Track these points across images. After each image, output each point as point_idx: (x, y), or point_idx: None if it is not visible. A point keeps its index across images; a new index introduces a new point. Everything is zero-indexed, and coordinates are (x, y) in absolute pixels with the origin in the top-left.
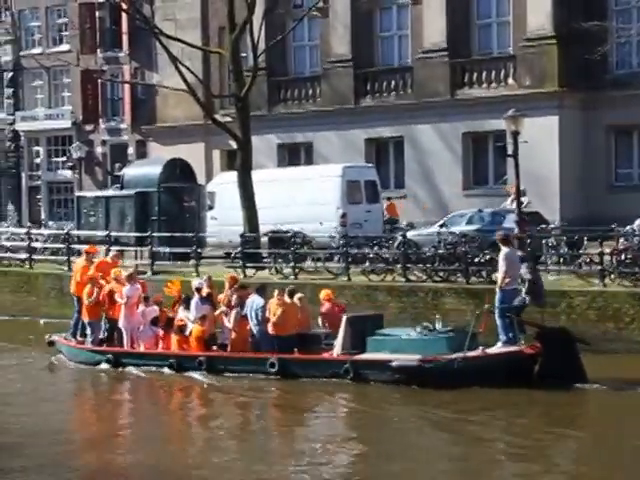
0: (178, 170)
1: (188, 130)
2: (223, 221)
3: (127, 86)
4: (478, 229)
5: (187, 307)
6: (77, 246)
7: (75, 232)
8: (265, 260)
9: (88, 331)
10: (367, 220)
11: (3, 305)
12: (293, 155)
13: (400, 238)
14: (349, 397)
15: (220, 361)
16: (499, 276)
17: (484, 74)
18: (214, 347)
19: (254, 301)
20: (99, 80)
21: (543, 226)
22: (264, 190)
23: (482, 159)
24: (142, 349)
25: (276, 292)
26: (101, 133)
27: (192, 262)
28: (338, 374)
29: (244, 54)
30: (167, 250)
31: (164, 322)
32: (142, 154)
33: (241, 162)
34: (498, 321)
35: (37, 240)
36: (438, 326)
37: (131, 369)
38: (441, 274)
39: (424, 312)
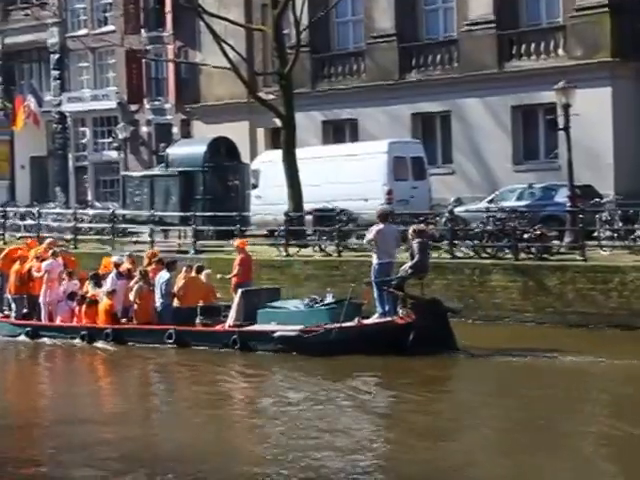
0: (222, 149)
1: (232, 108)
2: (267, 199)
3: (171, 65)
4: (528, 205)
5: (97, 284)
6: (122, 225)
7: (120, 211)
8: (309, 238)
9: (13, 306)
10: (413, 197)
11: None
12: (338, 132)
13: (447, 214)
14: (227, 363)
15: (124, 333)
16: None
17: (533, 45)
18: (124, 320)
19: (161, 275)
20: (143, 60)
21: (596, 200)
22: (308, 168)
23: (532, 133)
24: (58, 322)
25: (184, 268)
26: (146, 113)
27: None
28: (227, 344)
29: (287, 31)
30: (211, 229)
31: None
32: (186, 133)
33: (285, 140)
34: (375, 293)
35: (82, 220)
36: (328, 299)
37: (45, 340)
38: (489, 251)
39: (469, 289)
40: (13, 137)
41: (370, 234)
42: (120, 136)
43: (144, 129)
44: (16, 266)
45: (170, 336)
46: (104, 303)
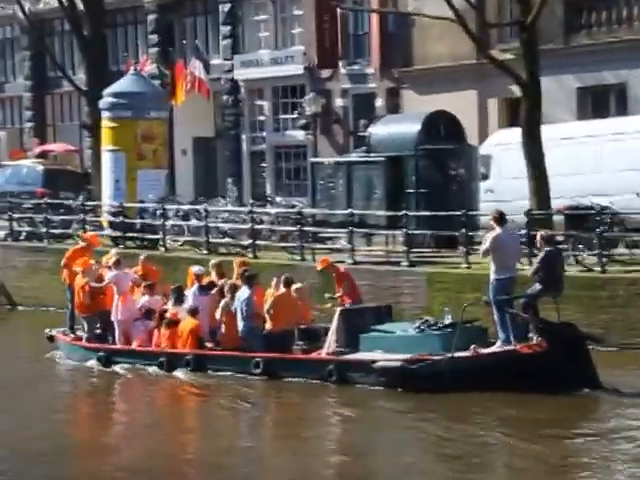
0: (442, 127)
1: (455, 73)
2: (502, 194)
3: (375, 18)
4: None
5: (178, 300)
6: (311, 229)
7: (309, 210)
8: (560, 246)
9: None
10: None
11: None
12: (599, 102)
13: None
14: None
15: (205, 360)
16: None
17: None
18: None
19: (241, 293)
20: (339, 10)
21: None
22: (558, 152)
23: None
24: (134, 346)
25: (273, 281)
26: (341, 80)
27: (461, 249)
28: (323, 376)
29: None
30: (427, 233)
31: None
32: (394, 107)
33: (527, 114)
34: (495, 316)
35: (262, 222)
36: (447, 321)
37: (117, 369)
38: None
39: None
40: (172, 114)
41: (486, 243)
42: (308, 111)
43: (339, 102)
44: (80, 280)
45: (257, 365)
46: (186, 323)
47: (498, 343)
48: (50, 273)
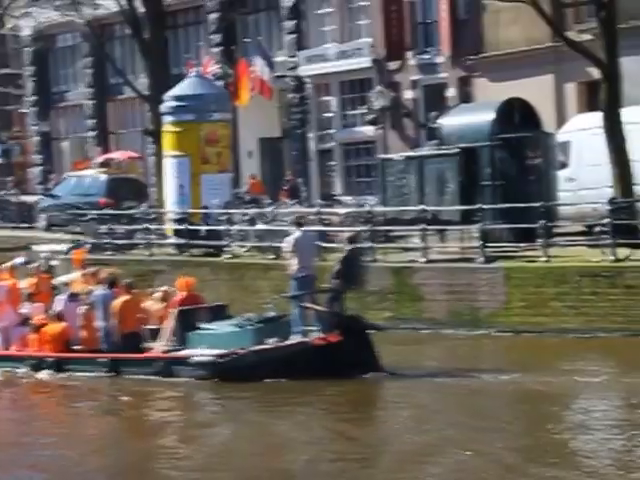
0: (517, 115)
1: (529, 58)
2: (583, 183)
3: (444, 4)
4: None
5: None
6: (383, 227)
7: (379, 209)
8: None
9: None
10: None
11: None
12: None
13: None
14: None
15: (63, 362)
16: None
17: None
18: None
19: (100, 297)
20: None
21: None
22: None
23: None
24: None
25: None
26: (410, 72)
27: (540, 242)
28: (156, 372)
29: None
30: (504, 227)
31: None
32: (466, 96)
33: (607, 98)
34: (293, 311)
35: (330, 223)
36: (270, 315)
37: None
38: None
39: None
40: (236, 116)
41: (287, 245)
42: (376, 105)
43: (408, 94)
44: None
45: (105, 364)
46: (50, 328)
47: (296, 335)
48: None
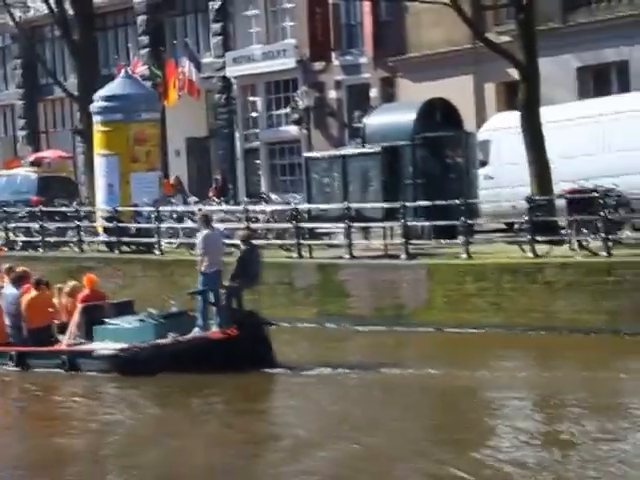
0: (438, 114)
1: (450, 59)
2: (502, 181)
3: (367, 6)
4: None
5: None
6: (307, 225)
7: (304, 206)
8: (564, 231)
9: None
10: None
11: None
12: (600, 81)
13: None
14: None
15: None
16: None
17: None
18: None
19: (8, 293)
20: (330, 1)
21: None
22: (559, 134)
23: None
24: None
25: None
26: (334, 72)
27: (461, 239)
28: (61, 365)
29: None
30: (426, 224)
31: None
32: (389, 96)
33: (525, 97)
34: (198, 305)
35: (257, 220)
36: (172, 311)
37: None
38: None
39: None
40: (164, 115)
41: (198, 243)
42: (301, 105)
43: (332, 94)
44: None
45: (11, 358)
46: None
47: (196, 329)
48: None
